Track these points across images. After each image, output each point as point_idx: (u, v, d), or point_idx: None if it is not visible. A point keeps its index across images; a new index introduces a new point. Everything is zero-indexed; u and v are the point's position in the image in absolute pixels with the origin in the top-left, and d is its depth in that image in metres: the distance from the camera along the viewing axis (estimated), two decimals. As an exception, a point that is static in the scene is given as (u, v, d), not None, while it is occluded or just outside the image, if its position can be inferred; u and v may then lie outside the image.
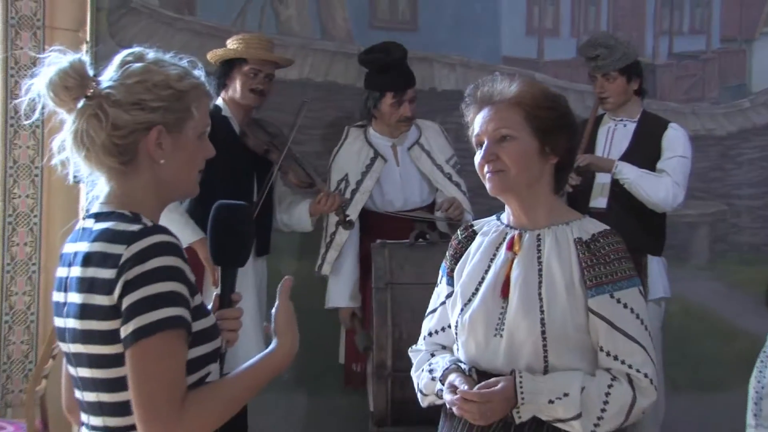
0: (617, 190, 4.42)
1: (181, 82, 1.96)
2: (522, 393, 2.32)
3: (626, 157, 4.46)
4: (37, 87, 1.93)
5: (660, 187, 4.39)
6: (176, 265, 1.85)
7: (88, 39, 4.55)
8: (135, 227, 1.87)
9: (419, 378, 2.57)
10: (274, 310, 2.10)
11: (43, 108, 1.96)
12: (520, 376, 2.33)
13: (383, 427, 4.23)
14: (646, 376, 2.32)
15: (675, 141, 4.50)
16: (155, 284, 1.82)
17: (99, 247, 1.87)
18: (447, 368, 2.45)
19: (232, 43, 4.49)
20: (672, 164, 4.45)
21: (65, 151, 1.96)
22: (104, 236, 1.88)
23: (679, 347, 4.75)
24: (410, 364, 4.12)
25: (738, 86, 5.31)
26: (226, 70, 4.43)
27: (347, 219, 4.54)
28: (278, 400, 4.84)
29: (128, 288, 1.82)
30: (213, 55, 4.41)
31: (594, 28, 5.30)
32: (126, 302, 1.82)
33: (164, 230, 1.89)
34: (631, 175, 4.38)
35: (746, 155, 5.26)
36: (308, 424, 4.97)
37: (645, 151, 4.48)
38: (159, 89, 1.93)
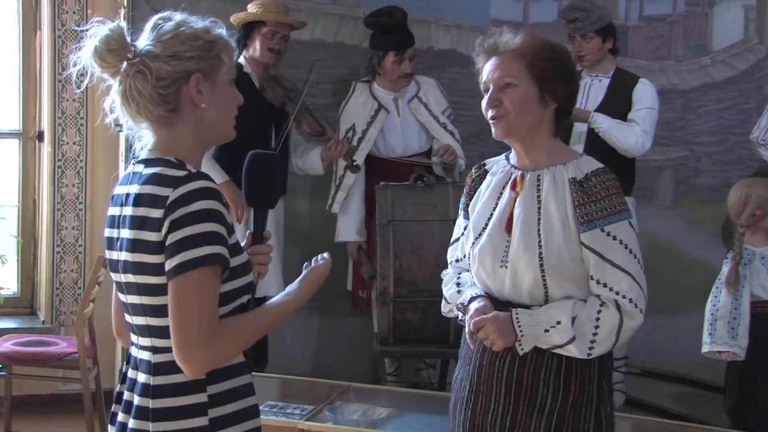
0: (593, 137, 4.41)
1: (208, 33, 1.97)
2: (519, 327, 2.33)
3: (601, 108, 4.44)
4: (83, 56, 1.93)
5: (630, 135, 4.38)
6: (216, 208, 1.86)
7: (125, 4, 4.52)
8: (181, 173, 1.88)
9: (447, 289, 2.57)
10: (313, 263, 2.16)
11: (81, 73, 1.97)
12: (516, 314, 2.34)
13: (386, 345, 4.27)
14: (630, 300, 2.30)
15: (644, 94, 4.48)
16: (197, 224, 1.84)
17: (149, 189, 1.89)
18: (473, 297, 2.45)
19: (252, 8, 4.47)
20: (641, 115, 4.43)
21: (115, 111, 1.97)
22: (153, 180, 1.89)
23: (645, 276, 4.77)
24: (409, 291, 4.17)
25: (700, 45, 5.26)
26: (246, 31, 4.41)
27: (354, 164, 4.55)
28: (294, 322, 4.86)
29: (173, 227, 1.84)
30: (235, 18, 4.39)
31: (573, -7, 5.25)
32: (171, 239, 1.84)
33: (206, 176, 1.90)
34: (604, 125, 4.38)
35: (706, 107, 5.24)
36: (320, 342, 5.00)
37: (617, 103, 4.47)
38: (191, 41, 1.94)
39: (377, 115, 4.61)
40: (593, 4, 4.55)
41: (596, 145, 4.39)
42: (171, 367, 1.91)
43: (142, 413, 1.93)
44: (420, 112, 4.66)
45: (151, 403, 1.92)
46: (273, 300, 2.06)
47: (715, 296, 3.84)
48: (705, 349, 3.82)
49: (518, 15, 5.28)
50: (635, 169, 4.57)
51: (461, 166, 4.62)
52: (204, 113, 1.97)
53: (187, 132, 1.97)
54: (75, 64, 1.95)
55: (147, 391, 1.93)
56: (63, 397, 4.97)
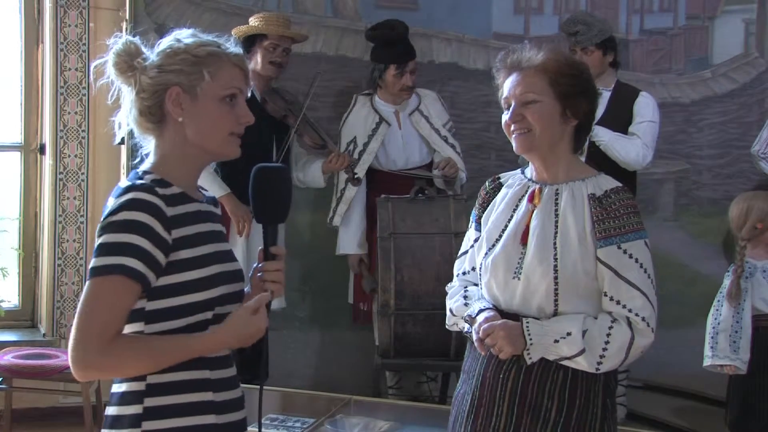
0: (594, 150, 4.40)
1: (197, 49, 1.96)
2: (529, 336, 2.32)
3: (602, 121, 4.44)
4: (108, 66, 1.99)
5: (631, 148, 4.39)
6: (142, 220, 1.85)
7: (127, 17, 4.54)
8: (128, 183, 1.91)
9: (453, 302, 2.55)
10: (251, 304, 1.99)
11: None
12: (527, 322, 2.33)
13: (387, 358, 4.26)
14: (643, 319, 2.29)
15: (645, 107, 4.50)
16: (115, 234, 1.85)
17: (109, 200, 1.92)
18: (481, 309, 2.44)
19: (253, 21, 4.48)
20: (642, 128, 4.45)
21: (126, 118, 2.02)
22: (115, 191, 1.93)
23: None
24: (410, 304, 4.17)
25: (701, 59, 5.28)
26: (248, 44, 4.42)
27: (355, 176, 4.56)
28: (295, 335, 4.89)
29: (99, 233, 1.87)
30: (237, 32, 4.40)
31: (574, 7, 5.26)
32: (95, 245, 1.88)
33: (147, 189, 1.89)
34: (606, 138, 4.39)
35: (707, 120, 5.25)
36: (321, 355, 5.00)
37: (619, 116, 4.48)
38: (176, 55, 1.95)
39: (378, 128, 4.62)
40: (594, 18, 4.57)
41: (596, 158, 4.38)
42: (120, 378, 1.96)
43: (105, 420, 1.99)
44: (421, 125, 4.66)
45: (108, 410, 1.98)
46: (186, 334, 1.93)
47: (717, 309, 3.84)
48: (707, 362, 3.82)
49: (519, 28, 5.29)
50: (636, 182, 4.57)
51: (462, 179, 4.63)
52: (184, 128, 1.96)
53: (172, 145, 1.98)
54: (93, 73, 2.01)
55: (110, 399, 1.99)
56: (63, 410, 4.96)
